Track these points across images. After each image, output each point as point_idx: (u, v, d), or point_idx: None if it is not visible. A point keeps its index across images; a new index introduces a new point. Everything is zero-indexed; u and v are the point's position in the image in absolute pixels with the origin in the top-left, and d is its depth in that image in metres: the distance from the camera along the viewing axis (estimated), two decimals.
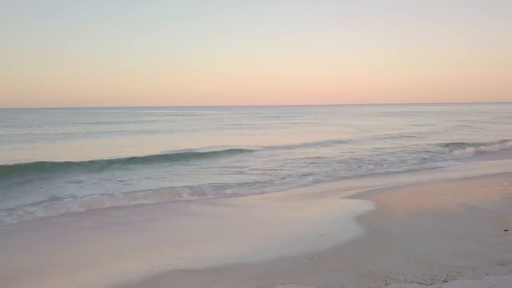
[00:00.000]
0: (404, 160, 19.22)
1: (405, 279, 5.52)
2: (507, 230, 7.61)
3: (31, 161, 16.74)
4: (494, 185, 12.31)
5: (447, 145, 24.90)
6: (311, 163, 18.50)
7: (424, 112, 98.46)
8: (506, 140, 26.50)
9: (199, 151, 21.51)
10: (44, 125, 54.14)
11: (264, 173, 16.00)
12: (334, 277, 5.74)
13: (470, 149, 22.46)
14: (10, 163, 16.46)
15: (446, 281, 5.39)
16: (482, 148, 23.37)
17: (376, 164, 18.01)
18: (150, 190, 12.24)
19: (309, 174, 15.45)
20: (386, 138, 31.11)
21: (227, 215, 10.16)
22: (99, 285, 5.87)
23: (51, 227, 9.10)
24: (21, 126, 50.70)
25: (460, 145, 24.92)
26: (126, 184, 13.86)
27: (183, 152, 20.99)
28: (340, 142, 27.99)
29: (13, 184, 13.65)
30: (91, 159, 17.81)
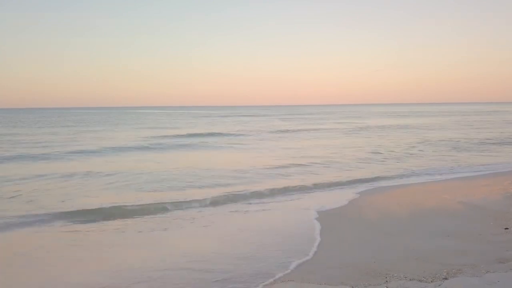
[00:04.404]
0: None
1: (405, 277, 5.53)
2: (507, 229, 7.63)
3: None
4: (495, 184, 12.32)
5: None
6: None
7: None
8: None
9: None
10: None
11: None
12: (334, 275, 5.76)
13: None
14: None
15: (446, 279, 5.40)
16: None
17: None
18: None
19: None
20: None
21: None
22: None
23: None
24: None
25: None
26: None
27: None
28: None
29: None
30: None
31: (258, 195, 11.56)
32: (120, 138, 32.26)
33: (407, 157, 19.68)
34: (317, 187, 12.75)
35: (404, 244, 7.05)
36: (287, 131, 40.00)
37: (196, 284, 5.66)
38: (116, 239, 7.90)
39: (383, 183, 13.31)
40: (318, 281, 5.55)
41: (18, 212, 9.55)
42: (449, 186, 12.48)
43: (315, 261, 6.44)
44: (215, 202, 10.65)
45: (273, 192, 11.87)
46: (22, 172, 15.55)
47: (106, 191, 12.25)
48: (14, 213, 9.46)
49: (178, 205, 10.28)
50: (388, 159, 19.23)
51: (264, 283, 5.59)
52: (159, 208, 9.95)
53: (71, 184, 13.29)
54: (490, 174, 14.70)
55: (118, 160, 19.74)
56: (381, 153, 21.10)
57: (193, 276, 5.93)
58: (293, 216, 9.48)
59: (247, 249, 7.11)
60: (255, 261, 6.48)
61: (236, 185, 12.99)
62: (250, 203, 10.77)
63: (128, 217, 9.31)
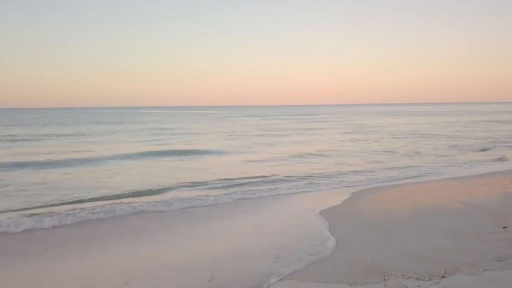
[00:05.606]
0: None
1: (403, 275, 5.53)
2: (506, 227, 7.62)
3: None
4: (495, 183, 12.31)
5: None
6: None
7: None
8: None
9: None
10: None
11: None
12: (332, 273, 5.76)
13: None
14: None
15: (444, 277, 5.40)
16: None
17: None
18: None
19: None
20: None
21: None
22: None
23: None
24: None
25: None
26: None
27: None
28: None
29: None
30: None
31: (255, 194, 11.59)
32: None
33: (407, 156, 19.66)
34: (317, 186, 12.75)
35: (402, 242, 7.05)
36: (287, 130, 39.93)
37: (192, 284, 5.66)
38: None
39: (382, 182, 13.31)
40: (316, 280, 5.55)
41: None
42: (449, 185, 12.46)
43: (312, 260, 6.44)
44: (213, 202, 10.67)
45: (269, 191, 11.86)
46: None
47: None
48: None
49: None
50: (388, 158, 19.22)
51: (263, 282, 5.59)
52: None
53: None
54: (489, 173, 14.67)
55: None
56: (381, 152, 21.10)
57: (189, 276, 5.93)
58: (292, 216, 9.45)
59: (241, 248, 7.10)
60: (251, 260, 6.48)
61: (232, 185, 13.01)
62: (245, 203, 10.75)
63: None
